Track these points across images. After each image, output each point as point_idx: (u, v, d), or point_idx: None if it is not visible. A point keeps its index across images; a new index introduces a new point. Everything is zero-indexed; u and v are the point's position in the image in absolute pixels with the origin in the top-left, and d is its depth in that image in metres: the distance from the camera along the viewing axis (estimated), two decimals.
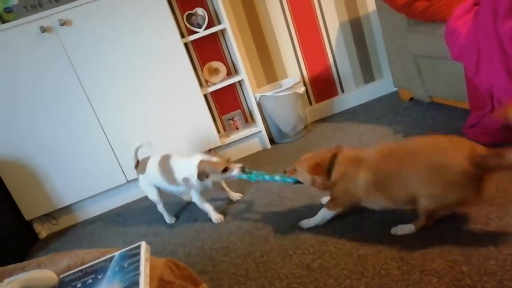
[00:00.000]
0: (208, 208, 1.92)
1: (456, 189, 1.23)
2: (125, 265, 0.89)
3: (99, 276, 0.88)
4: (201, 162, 1.79)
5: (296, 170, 1.60)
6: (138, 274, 0.84)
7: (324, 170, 1.50)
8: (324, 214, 1.58)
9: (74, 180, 2.36)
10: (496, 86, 1.69)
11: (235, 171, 1.75)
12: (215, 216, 1.91)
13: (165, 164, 1.92)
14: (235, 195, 2.06)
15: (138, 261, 0.88)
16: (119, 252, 0.95)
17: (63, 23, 2.13)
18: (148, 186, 2.01)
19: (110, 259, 0.93)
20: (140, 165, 2.02)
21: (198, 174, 1.76)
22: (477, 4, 1.80)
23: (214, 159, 1.78)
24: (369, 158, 1.42)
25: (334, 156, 1.50)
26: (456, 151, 1.23)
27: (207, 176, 1.77)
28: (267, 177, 1.73)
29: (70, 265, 0.99)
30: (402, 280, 1.21)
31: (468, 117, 1.88)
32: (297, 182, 1.62)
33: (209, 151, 1.85)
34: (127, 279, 0.84)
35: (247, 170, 1.78)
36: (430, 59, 2.18)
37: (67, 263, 1.01)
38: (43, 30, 2.12)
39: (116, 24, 2.22)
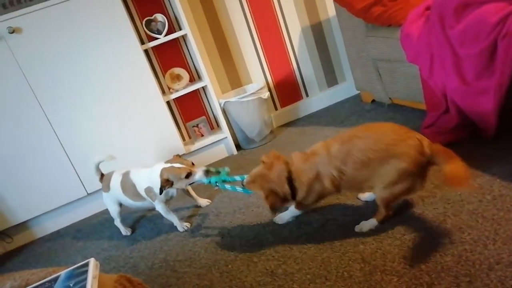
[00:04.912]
0: (173, 217, 1.87)
1: (407, 177, 1.31)
2: (71, 285, 0.83)
3: None
4: (164, 169, 1.73)
5: (252, 188, 1.55)
6: None
7: (282, 196, 1.46)
8: (295, 213, 1.62)
9: (30, 194, 2.23)
10: (449, 88, 1.75)
11: (198, 174, 1.72)
12: (181, 225, 1.87)
13: (126, 180, 1.88)
14: (204, 201, 2.03)
15: (85, 279, 0.83)
16: (65, 271, 0.89)
17: (13, 31, 2.03)
18: (112, 203, 1.96)
19: (55, 279, 0.87)
20: (103, 182, 1.96)
21: (161, 182, 1.71)
22: (429, 8, 1.86)
23: (177, 165, 1.73)
24: (325, 166, 1.39)
25: (289, 173, 1.44)
26: (407, 145, 1.29)
27: (171, 184, 1.73)
28: (228, 186, 1.69)
29: None
30: (364, 281, 1.21)
31: (425, 117, 1.93)
32: None
33: (173, 158, 1.80)
34: None
35: (212, 170, 1.75)
36: (389, 62, 2.24)
37: (10, 286, 0.94)
38: None
39: (70, 31, 2.13)
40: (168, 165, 1.75)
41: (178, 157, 1.80)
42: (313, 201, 1.50)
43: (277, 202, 1.47)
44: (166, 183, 1.71)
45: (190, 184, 1.77)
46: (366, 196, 1.61)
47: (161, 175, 1.72)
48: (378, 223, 1.42)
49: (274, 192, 1.46)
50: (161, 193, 1.73)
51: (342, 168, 1.37)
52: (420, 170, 1.30)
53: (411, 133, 1.32)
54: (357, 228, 1.44)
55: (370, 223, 1.43)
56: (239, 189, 1.66)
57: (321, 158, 1.41)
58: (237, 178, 1.69)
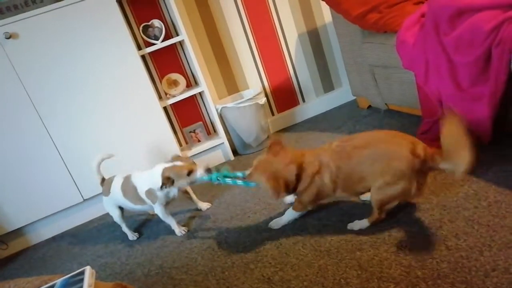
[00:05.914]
0: (171, 221, 1.88)
1: (402, 179, 1.33)
2: None
3: None
4: (165, 168, 1.75)
5: (254, 177, 1.57)
6: None
7: (288, 183, 1.49)
8: (292, 215, 1.64)
9: (25, 200, 2.22)
10: (444, 94, 1.76)
11: (200, 171, 1.72)
12: (179, 229, 1.87)
13: (127, 184, 1.87)
14: (204, 205, 2.04)
15: None
16: (60, 279, 0.88)
17: (9, 36, 2.02)
18: (113, 207, 1.95)
19: (51, 287, 0.87)
20: (104, 186, 1.95)
21: (163, 181, 1.71)
22: (424, 15, 1.88)
23: (178, 163, 1.75)
24: (326, 159, 1.46)
25: (300, 165, 1.48)
26: (400, 144, 1.34)
27: (172, 182, 1.73)
28: (229, 180, 1.70)
29: None
30: None
31: (421, 123, 1.94)
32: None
33: (173, 158, 1.81)
34: None
35: (212, 169, 1.75)
36: (384, 68, 2.25)
37: None
38: None
39: (67, 36, 2.13)
40: (170, 164, 1.76)
41: (178, 157, 1.82)
42: (311, 197, 1.52)
43: (280, 187, 1.48)
44: (167, 181, 1.72)
45: (191, 184, 1.77)
46: (367, 196, 1.63)
47: (162, 173, 1.73)
48: (370, 224, 1.46)
49: (278, 177, 1.48)
50: (161, 188, 1.72)
51: (339, 163, 1.43)
52: (415, 174, 1.32)
53: (406, 136, 1.37)
54: (349, 226, 1.50)
55: (361, 223, 1.47)
56: (240, 182, 1.67)
57: (323, 151, 1.49)
58: (239, 173, 1.70)
